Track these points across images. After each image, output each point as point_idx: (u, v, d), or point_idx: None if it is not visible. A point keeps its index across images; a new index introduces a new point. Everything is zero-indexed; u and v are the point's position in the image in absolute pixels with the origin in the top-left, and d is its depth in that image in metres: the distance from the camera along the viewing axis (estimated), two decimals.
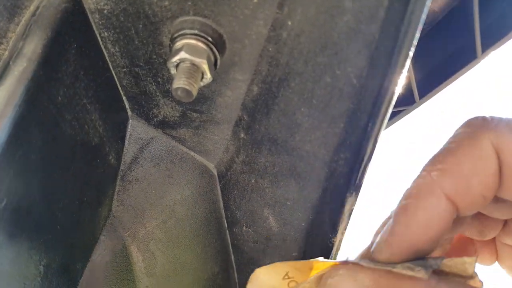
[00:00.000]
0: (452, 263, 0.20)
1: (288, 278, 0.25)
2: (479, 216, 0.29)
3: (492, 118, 0.22)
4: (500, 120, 0.22)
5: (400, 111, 0.45)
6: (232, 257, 0.41)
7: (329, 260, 0.24)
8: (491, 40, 0.37)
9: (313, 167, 0.29)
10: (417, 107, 0.43)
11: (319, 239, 0.31)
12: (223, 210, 0.39)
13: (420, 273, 0.20)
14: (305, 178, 0.30)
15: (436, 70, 0.39)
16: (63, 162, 0.27)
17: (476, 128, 0.22)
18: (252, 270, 0.41)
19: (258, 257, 0.39)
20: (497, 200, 0.25)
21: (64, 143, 0.27)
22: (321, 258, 0.25)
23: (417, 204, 0.22)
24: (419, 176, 0.22)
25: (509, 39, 0.38)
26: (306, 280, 0.24)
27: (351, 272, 0.22)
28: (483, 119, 0.22)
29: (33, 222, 0.25)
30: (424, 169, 0.22)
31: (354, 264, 0.22)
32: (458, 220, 0.26)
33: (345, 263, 0.23)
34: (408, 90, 0.40)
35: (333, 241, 0.28)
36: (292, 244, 0.35)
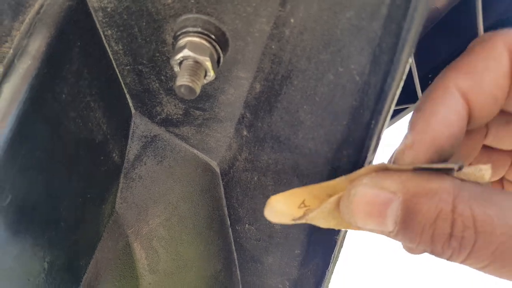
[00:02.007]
0: (469, 171, 0.20)
1: (304, 206, 0.23)
2: (487, 150, 0.28)
3: (505, 29, 0.22)
4: None
5: (403, 109, 0.45)
6: (235, 255, 0.41)
7: (350, 174, 0.22)
8: None
9: (316, 164, 0.29)
10: None
11: (322, 237, 0.31)
12: (225, 208, 0.39)
13: (451, 165, 0.19)
14: (308, 176, 0.30)
15: (439, 68, 0.39)
16: (67, 160, 0.28)
17: (489, 35, 0.22)
18: (255, 268, 0.42)
19: (260, 255, 0.39)
20: (507, 122, 0.25)
21: (68, 141, 0.27)
22: (342, 177, 0.22)
23: (434, 102, 0.22)
24: (434, 81, 0.22)
25: None
26: (325, 202, 0.22)
27: (376, 179, 0.20)
28: (496, 30, 0.22)
29: (37, 219, 0.25)
30: (439, 75, 0.22)
31: (377, 171, 0.21)
32: (471, 136, 0.26)
33: (368, 170, 0.21)
34: (411, 88, 0.40)
35: (336, 239, 0.28)
36: (294, 242, 0.35)
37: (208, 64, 0.23)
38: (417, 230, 0.19)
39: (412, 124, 0.22)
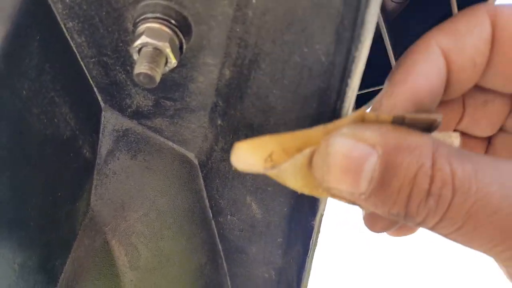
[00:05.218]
0: (440, 136, 0.20)
1: (271, 161, 0.21)
2: (463, 137, 0.27)
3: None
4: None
5: (380, 90, 0.44)
6: (220, 246, 0.41)
7: (327, 124, 0.20)
8: None
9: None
10: None
11: (300, 223, 0.30)
12: (207, 200, 0.38)
13: (434, 115, 0.18)
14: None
15: None
16: (33, 158, 0.27)
17: (475, 5, 0.22)
18: (240, 259, 0.41)
19: (245, 245, 0.39)
20: (485, 102, 0.25)
21: (32, 138, 0.27)
22: (319, 126, 0.20)
23: (415, 56, 0.22)
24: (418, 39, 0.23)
25: None
26: (298, 154, 0.20)
27: (355, 130, 0.19)
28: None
29: (3, 220, 0.25)
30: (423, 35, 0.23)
31: (356, 121, 0.19)
32: (445, 113, 0.26)
33: (347, 120, 0.20)
34: (387, 69, 0.40)
35: (313, 224, 0.28)
36: (276, 230, 0.34)
37: (168, 50, 0.22)
38: (395, 188, 0.18)
39: (391, 76, 0.22)
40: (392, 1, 0.36)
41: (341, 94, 0.21)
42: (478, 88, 0.25)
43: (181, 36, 0.24)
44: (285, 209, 0.32)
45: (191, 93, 0.30)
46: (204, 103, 0.31)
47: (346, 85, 0.20)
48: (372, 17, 0.18)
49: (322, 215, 0.27)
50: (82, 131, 0.30)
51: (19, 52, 0.26)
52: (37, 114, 0.27)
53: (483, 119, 0.26)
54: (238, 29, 0.25)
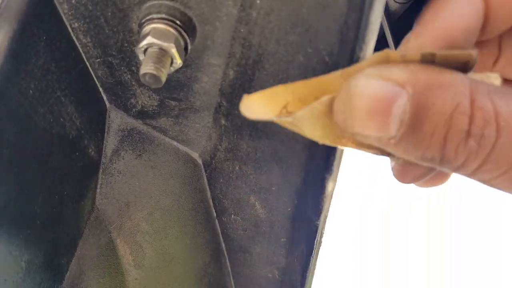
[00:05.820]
0: (477, 77, 0.18)
1: (287, 112, 0.20)
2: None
3: None
4: None
5: None
6: (223, 246, 0.41)
7: (346, 68, 0.18)
8: None
9: (294, 150, 0.28)
10: None
11: (304, 223, 0.30)
12: (210, 200, 0.38)
13: (467, 51, 0.16)
14: (287, 162, 0.30)
15: None
16: (39, 156, 0.27)
17: None
18: (244, 258, 0.41)
19: (248, 245, 0.39)
20: None
21: (39, 137, 0.27)
22: (337, 71, 0.19)
23: None
24: None
25: None
26: (316, 102, 0.18)
27: (381, 69, 0.17)
28: None
29: (10, 218, 0.25)
30: None
31: (380, 62, 0.17)
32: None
33: (369, 62, 0.18)
34: None
35: (317, 224, 0.28)
36: (280, 229, 0.34)
37: (174, 51, 0.23)
38: (428, 130, 0.16)
39: (420, 16, 0.19)
40: (395, 1, 0.36)
41: None
42: None
43: (186, 36, 0.24)
44: (289, 209, 0.32)
45: (195, 93, 0.30)
46: (208, 103, 0.31)
47: None
48: (376, 17, 0.18)
49: (326, 216, 0.27)
50: (87, 131, 0.31)
51: (26, 52, 0.26)
52: (43, 113, 0.27)
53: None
54: (242, 30, 0.25)
